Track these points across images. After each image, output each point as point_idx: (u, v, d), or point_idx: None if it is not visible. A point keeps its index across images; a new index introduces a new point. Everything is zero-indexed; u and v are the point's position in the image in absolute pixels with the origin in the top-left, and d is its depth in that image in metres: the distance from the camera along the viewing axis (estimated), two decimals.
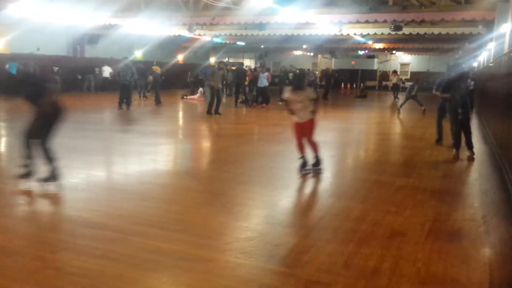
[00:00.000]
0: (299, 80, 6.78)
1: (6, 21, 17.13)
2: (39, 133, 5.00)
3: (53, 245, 3.60)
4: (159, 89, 17.18)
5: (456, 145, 7.76)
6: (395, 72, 25.85)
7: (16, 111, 13.09)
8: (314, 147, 6.38)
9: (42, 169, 5.19)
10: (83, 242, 3.65)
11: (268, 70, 20.19)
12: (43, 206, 4.79)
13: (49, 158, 5.07)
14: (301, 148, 6.36)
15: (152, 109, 16.17)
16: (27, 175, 5.15)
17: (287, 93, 6.32)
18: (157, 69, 17.61)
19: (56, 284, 2.99)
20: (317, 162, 6.41)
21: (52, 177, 5.10)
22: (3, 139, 9.44)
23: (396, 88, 24.29)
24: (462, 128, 7.69)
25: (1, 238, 3.73)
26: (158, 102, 16.83)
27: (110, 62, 23.03)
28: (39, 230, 3.99)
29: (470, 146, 7.68)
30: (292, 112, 6.24)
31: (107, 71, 23.09)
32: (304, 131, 6.26)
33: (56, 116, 5.02)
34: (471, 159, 7.55)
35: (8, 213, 4.45)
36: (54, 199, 4.91)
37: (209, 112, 13.49)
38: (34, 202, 4.91)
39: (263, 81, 17.37)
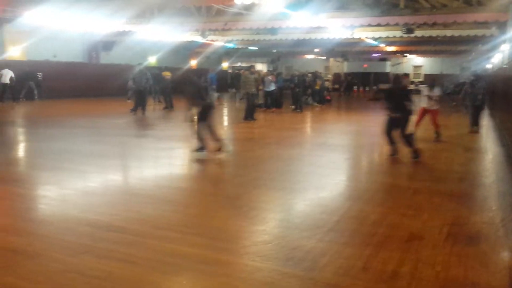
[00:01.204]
0: (434, 82, 10.55)
1: (22, 28, 17.44)
2: (399, 127, 7.49)
3: (73, 249, 3.65)
4: (171, 95, 17.34)
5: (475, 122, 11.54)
6: (406, 75, 26.20)
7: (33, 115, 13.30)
8: (437, 126, 9.96)
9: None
10: (103, 245, 3.70)
11: (278, 74, 19.90)
12: (62, 210, 4.86)
13: (409, 143, 7.50)
14: (418, 124, 9.76)
15: (166, 114, 16.30)
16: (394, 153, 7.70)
17: (425, 90, 9.94)
18: (167, 74, 17.79)
19: (77, 287, 3.03)
20: (438, 134, 9.95)
21: (415, 154, 7.44)
22: (23, 145, 9.59)
23: None
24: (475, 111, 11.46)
25: (22, 242, 3.79)
26: (170, 107, 16.98)
27: (10, 64, 19.15)
28: (59, 234, 4.05)
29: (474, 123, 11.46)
30: (429, 98, 9.81)
31: (7, 76, 18.75)
32: (430, 115, 9.91)
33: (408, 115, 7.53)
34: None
35: (28, 217, 4.52)
36: (74, 203, 4.98)
37: (246, 118, 13.54)
38: (53, 206, 4.98)
39: (269, 85, 17.10)
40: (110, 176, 6.35)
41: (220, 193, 5.52)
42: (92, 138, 9.54)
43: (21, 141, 10.20)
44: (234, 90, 29.34)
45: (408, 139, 7.48)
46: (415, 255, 3.58)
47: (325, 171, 6.84)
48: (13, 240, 3.84)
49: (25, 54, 20.57)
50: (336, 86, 34.61)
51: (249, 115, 13.57)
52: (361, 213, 4.72)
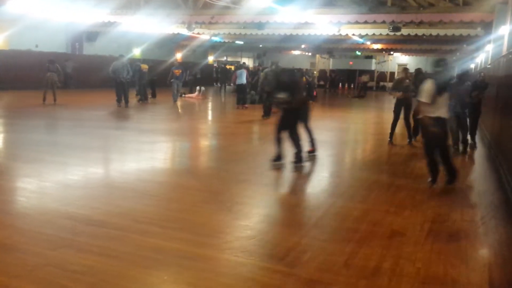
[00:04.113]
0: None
1: (5, 17, 17.07)
2: None
3: (53, 242, 3.59)
4: (146, 87, 17.55)
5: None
6: (364, 73, 31.55)
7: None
8: None
9: None
10: (83, 239, 3.65)
11: (247, 67, 19.15)
12: (42, 203, 4.77)
13: None
14: None
15: (149, 106, 16.17)
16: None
17: None
18: (144, 67, 17.73)
19: (57, 281, 2.98)
20: None
21: None
22: (2, 136, 9.40)
23: (363, 88, 28.86)
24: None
25: (1, 235, 3.72)
26: (145, 99, 17.15)
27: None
28: (38, 227, 3.97)
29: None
30: None
31: None
32: None
33: None
34: None
35: (7, 210, 4.43)
36: (53, 195, 4.90)
37: (265, 115, 12.98)
38: (33, 199, 4.89)
39: (242, 78, 15.80)
40: (91, 169, 6.26)
41: (203, 187, 5.48)
42: (73, 130, 9.40)
43: (0, 132, 9.99)
44: (219, 84, 29.24)
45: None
46: (396, 251, 3.61)
47: (308, 168, 6.85)
48: None
49: (8, 44, 20.17)
50: (321, 82, 34.73)
51: (267, 112, 13.21)
52: (344, 210, 4.74)
